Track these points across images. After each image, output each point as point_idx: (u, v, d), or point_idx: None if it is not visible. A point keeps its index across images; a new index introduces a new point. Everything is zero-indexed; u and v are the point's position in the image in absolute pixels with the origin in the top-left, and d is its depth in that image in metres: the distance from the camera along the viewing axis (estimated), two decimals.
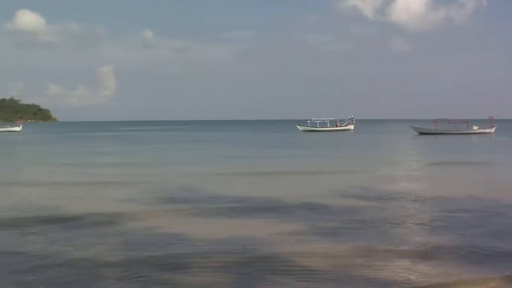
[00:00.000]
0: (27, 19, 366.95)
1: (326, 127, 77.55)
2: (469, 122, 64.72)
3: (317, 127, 77.51)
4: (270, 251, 7.96)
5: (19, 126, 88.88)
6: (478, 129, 62.69)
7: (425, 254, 7.82)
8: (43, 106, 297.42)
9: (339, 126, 78.33)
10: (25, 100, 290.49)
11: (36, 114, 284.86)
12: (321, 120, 79.09)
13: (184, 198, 13.61)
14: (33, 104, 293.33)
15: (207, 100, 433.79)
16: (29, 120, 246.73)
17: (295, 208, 11.94)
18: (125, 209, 11.79)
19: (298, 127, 78.14)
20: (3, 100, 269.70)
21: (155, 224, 10.02)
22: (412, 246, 8.37)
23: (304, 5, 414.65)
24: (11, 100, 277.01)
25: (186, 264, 7.29)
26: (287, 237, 8.94)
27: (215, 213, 11.51)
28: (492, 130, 62.67)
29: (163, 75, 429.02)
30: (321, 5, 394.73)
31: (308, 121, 79.84)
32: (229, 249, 8.06)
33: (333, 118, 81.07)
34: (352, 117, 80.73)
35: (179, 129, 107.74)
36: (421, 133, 62.01)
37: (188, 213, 11.50)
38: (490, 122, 64.15)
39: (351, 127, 78.53)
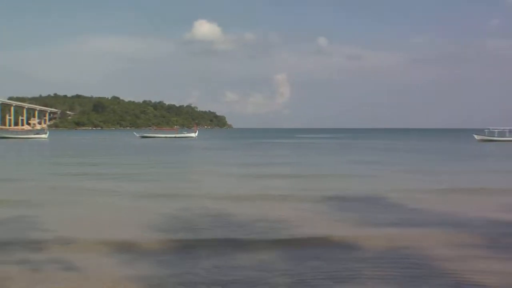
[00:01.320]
0: (205, 29, 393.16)
1: (505, 137, 70.95)
2: None
3: (495, 137, 72.09)
4: None
5: (195, 132, 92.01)
6: None
7: None
8: (218, 113, 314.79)
9: None
10: (202, 107, 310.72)
11: (212, 120, 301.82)
12: (500, 129, 73.27)
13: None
14: (209, 111, 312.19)
15: (371, 108, 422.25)
16: (205, 127, 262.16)
17: None
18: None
19: (475, 136, 73.55)
20: (181, 107, 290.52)
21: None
22: None
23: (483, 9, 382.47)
24: (189, 106, 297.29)
25: None
26: None
27: None
28: None
29: (335, 82, 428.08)
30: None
31: (486, 130, 75.07)
32: None
33: None
34: None
35: (348, 137, 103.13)
36: None
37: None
38: None
39: None
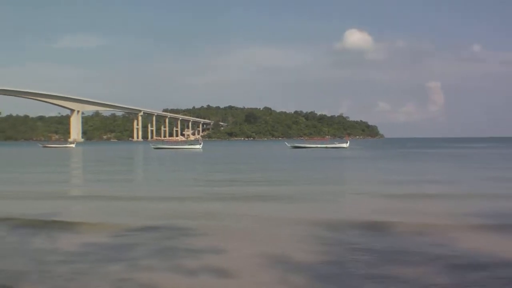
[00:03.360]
0: (355, 38, 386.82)
1: None
2: None
3: None
4: None
5: (346, 142, 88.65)
6: None
7: None
8: (370, 123, 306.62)
9: None
10: (353, 117, 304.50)
11: (364, 130, 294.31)
12: None
13: None
14: (361, 120, 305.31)
15: None
16: (357, 137, 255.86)
17: None
18: None
19: None
20: (332, 117, 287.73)
21: None
22: None
23: None
24: (340, 117, 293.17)
25: None
26: None
27: None
28: None
29: (489, 89, 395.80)
30: None
31: None
32: None
33: None
34: None
35: (508, 146, 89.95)
36: None
37: None
38: None
39: None
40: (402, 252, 8.12)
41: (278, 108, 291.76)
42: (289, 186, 19.37)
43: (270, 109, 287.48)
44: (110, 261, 7.64)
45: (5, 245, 9.05)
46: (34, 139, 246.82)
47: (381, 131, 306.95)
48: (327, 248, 8.45)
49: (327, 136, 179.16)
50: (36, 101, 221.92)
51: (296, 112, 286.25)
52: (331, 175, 26.99)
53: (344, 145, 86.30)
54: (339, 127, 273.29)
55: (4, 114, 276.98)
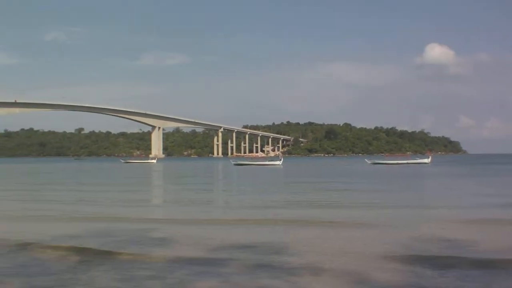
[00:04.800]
0: (436, 52, 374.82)
1: None
2: None
3: None
4: None
5: (428, 158, 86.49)
6: None
7: None
8: (452, 139, 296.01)
9: None
10: (435, 133, 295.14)
11: (446, 146, 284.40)
12: None
13: None
14: (443, 136, 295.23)
15: None
16: (439, 152, 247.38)
17: None
18: None
19: None
20: (413, 132, 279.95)
21: None
22: None
23: None
24: (421, 132, 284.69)
25: None
26: None
27: None
28: None
29: None
30: None
31: None
32: None
33: None
34: None
35: None
36: None
37: None
38: None
39: None
40: None
41: (358, 124, 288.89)
42: (384, 210, 17.73)
43: (350, 125, 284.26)
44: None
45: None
46: (116, 154, 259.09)
47: (464, 147, 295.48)
48: None
49: (408, 152, 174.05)
50: (118, 117, 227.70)
51: (376, 128, 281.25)
52: (421, 196, 25.26)
53: (426, 160, 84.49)
54: (420, 143, 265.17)
55: (87, 131, 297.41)
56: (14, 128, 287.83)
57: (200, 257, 9.43)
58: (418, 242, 10.99)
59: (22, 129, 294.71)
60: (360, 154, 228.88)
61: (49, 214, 16.98)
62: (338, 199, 22.64)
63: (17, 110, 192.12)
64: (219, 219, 15.84)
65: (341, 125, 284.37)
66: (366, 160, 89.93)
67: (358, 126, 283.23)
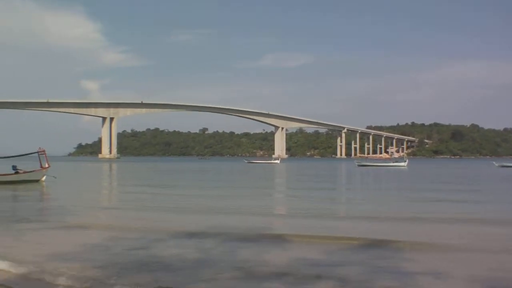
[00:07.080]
0: None
1: None
2: None
3: None
4: None
5: None
6: None
7: None
8: None
9: None
10: None
11: None
12: None
13: None
14: None
15: None
16: None
17: None
18: None
19: None
20: None
21: None
22: None
23: None
24: None
25: None
26: None
27: None
28: None
29: None
30: None
31: None
32: None
33: None
34: None
35: None
36: None
37: None
38: None
39: None
40: None
41: (486, 125, 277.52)
42: None
43: (477, 126, 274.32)
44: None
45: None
46: (239, 154, 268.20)
47: None
48: None
49: None
50: (241, 118, 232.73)
51: (505, 129, 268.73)
52: None
53: None
54: None
55: (211, 131, 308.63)
56: (141, 128, 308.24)
57: None
58: None
59: (148, 129, 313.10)
60: (488, 156, 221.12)
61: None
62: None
63: (143, 110, 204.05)
64: None
65: (468, 126, 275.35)
66: (493, 162, 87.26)
67: (486, 127, 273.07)
